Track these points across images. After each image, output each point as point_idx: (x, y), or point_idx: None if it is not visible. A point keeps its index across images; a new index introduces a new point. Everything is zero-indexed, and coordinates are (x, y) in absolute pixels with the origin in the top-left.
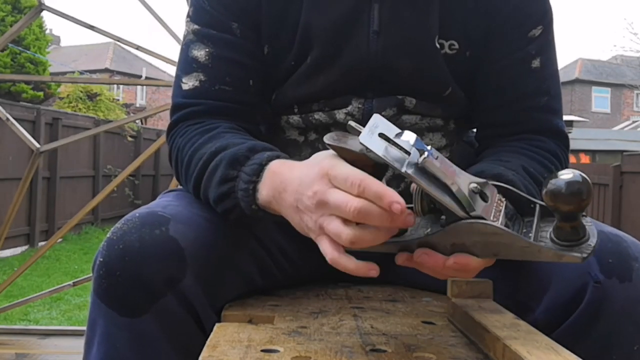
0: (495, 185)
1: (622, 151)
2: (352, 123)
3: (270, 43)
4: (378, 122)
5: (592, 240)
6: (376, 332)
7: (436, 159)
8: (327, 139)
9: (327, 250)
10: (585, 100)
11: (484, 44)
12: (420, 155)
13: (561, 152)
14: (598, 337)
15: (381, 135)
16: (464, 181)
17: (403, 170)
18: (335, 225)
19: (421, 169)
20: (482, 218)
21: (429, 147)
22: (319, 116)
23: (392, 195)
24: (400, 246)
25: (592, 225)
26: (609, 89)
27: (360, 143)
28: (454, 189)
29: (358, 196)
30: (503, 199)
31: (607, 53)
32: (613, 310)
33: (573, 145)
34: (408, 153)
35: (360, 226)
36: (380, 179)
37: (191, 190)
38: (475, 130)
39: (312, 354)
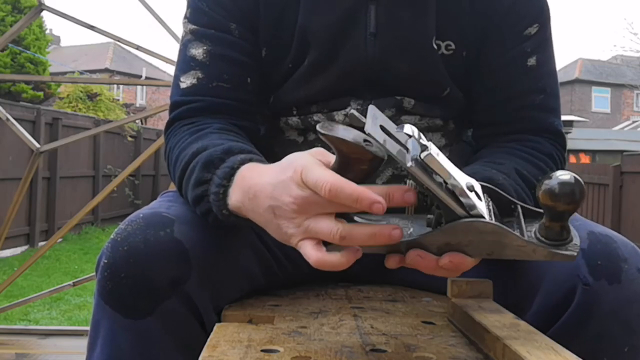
0: (481, 185)
1: (622, 151)
2: (354, 112)
3: (268, 46)
4: (376, 114)
5: (577, 240)
6: (376, 332)
7: (437, 155)
8: (320, 127)
9: (311, 253)
10: (585, 100)
11: (480, 44)
12: (422, 151)
13: (557, 153)
14: (588, 340)
15: (381, 127)
16: (462, 179)
17: (408, 164)
18: (325, 223)
19: (421, 165)
20: (482, 217)
21: (429, 143)
22: (317, 117)
23: (370, 196)
24: (389, 248)
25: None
26: (609, 89)
27: (367, 134)
28: (453, 186)
29: (330, 201)
30: (488, 198)
31: (607, 53)
32: (602, 312)
33: (573, 145)
34: (407, 149)
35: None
36: (374, 173)
37: (177, 191)
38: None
39: (312, 354)
